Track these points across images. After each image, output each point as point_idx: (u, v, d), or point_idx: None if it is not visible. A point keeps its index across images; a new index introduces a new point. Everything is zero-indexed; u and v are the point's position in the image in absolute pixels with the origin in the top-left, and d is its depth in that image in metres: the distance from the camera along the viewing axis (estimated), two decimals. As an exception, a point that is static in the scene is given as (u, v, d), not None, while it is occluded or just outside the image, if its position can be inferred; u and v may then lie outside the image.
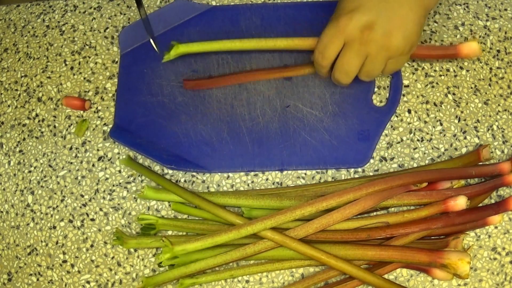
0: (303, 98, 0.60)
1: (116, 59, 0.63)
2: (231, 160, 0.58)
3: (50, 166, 0.60)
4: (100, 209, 0.58)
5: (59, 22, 0.65)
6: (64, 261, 0.57)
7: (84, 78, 0.63)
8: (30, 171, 0.60)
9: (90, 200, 0.58)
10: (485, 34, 0.62)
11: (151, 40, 0.60)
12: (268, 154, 0.58)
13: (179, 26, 0.63)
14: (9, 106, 0.62)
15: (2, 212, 0.59)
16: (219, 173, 0.58)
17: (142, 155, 0.59)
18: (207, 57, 0.62)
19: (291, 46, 0.57)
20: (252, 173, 0.58)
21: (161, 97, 0.61)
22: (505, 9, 0.63)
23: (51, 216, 0.58)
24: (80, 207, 0.58)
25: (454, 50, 0.59)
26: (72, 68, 0.63)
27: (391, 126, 0.59)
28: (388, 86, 0.61)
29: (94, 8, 0.66)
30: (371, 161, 0.58)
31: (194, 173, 0.59)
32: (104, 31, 0.64)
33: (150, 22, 0.63)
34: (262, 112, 0.60)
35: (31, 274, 0.57)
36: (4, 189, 0.59)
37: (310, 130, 0.59)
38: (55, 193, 0.59)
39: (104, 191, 0.58)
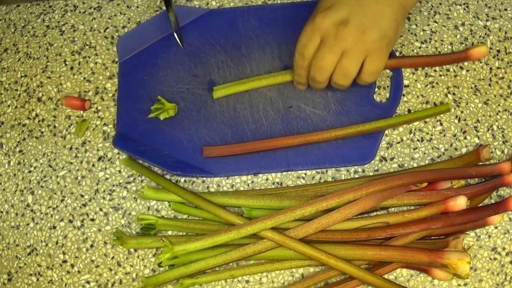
0: (305, 98, 0.60)
1: (116, 59, 0.63)
2: (236, 164, 0.58)
3: (50, 166, 0.60)
4: (100, 209, 0.58)
5: (59, 22, 0.65)
6: (64, 261, 0.57)
7: (84, 78, 0.63)
8: (30, 171, 0.60)
9: (90, 200, 0.58)
10: (485, 34, 0.62)
11: (175, 34, 0.59)
12: (273, 155, 0.58)
13: (177, 31, 0.63)
14: (9, 106, 0.62)
15: (2, 212, 0.59)
16: (219, 173, 0.59)
17: (147, 162, 0.58)
18: (207, 61, 0.62)
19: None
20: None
21: (163, 103, 0.61)
22: (505, 9, 0.63)
23: (51, 216, 0.58)
24: (80, 207, 0.58)
25: (465, 55, 0.60)
26: (72, 68, 0.63)
27: (391, 126, 0.59)
28: (388, 86, 0.61)
29: (94, 8, 0.66)
30: (371, 161, 0.58)
31: (194, 173, 0.59)
32: (104, 31, 0.64)
33: (147, 28, 0.62)
34: (265, 113, 0.60)
35: (31, 274, 0.57)
36: (4, 189, 0.59)
37: (314, 129, 0.59)
38: (55, 193, 0.59)
39: (104, 191, 0.58)
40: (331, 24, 0.51)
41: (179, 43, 0.61)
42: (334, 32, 0.51)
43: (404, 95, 0.60)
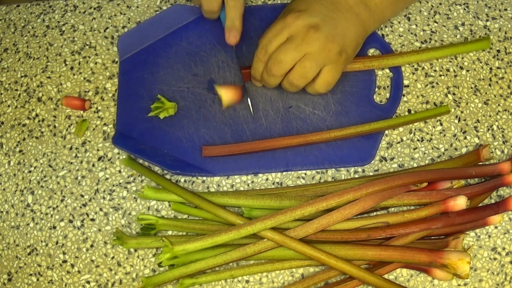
0: (305, 98, 0.60)
1: (116, 59, 0.63)
2: (236, 163, 0.58)
3: (50, 166, 0.60)
4: (100, 209, 0.58)
5: (59, 22, 0.65)
6: (64, 261, 0.57)
7: (84, 78, 0.63)
8: (30, 171, 0.60)
9: (90, 200, 0.58)
10: (485, 34, 0.62)
11: (249, 101, 0.59)
12: (272, 155, 0.58)
13: (178, 30, 0.63)
14: (9, 106, 0.62)
15: (2, 212, 0.59)
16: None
17: (146, 161, 0.58)
18: (208, 61, 0.62)
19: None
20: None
21: (163, 102, 0.61)
22: (505, 9, 0.63)
23: (51, 216, 0.58)
24: (80, 207, 0.58)
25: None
26: (72, 68, 0.63)
27: (391, 126, 0.59)
28: (388, 86, 0.61)
29: (94, 8, 0.66)
30: (370, 162, 0.58)
31: (194, 173, 0.59)
32: (104, 31, 0.64)
33: (148, 27, 0.62)
34: (265, 113, 0.60)
35: (31, 274, 0.57)
36: (4, 189, 0.59)
37: (314, 130, 0.59)
38: (55, 193, 0.59)
39: (104, 191, 0.58)
40: (303, 25, 0.52)
41: (251, 109, 0.59)
42: (304, 33, 0.52)
43: (404, 95, 0.60)
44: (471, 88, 0.61)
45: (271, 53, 0.53)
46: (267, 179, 0.58)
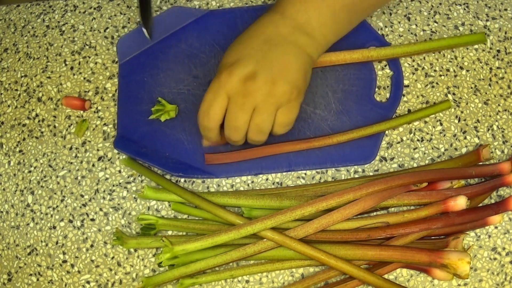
0: (305, 98, 0.59)
1: (116, 59, 0.63)
2: (238, 165, 0.58)
3: (50, 166, 0.60)
4: (100, 209, 0.58)
5: (59, 22, 0.65)
6: (64, 261, 0.57)
7: (84, 78, 0.63)
8: (30, 171, 0.60)
9: (90, 200, 0.58)
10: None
11: (144, 29, 0.56)
12: (274, 156, 0.58)
13: (177, 32, 0.63)
14: (9, 106, 0.62)
15: (2, 212, 0.59)
16: (219, 173, 0.58)
17: (148, 164, 0.58)
18: (207, 62, 0.62)
19: None
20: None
21: (163, 105, 0.60)
22: (505, 9, 0.63)
23: (51, 216, 0.58)
24: (80, 207, 0.58)
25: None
26: (72, 68, 0.63)
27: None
28: (388, 86, 0.61)
29: (94, 8, 0.66)
30: (372, 161, 0.58)
31: (194, 173, 0.59)
32: (104, 31, 0.64)
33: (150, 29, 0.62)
34: None
35: (31, 274, 0.57)
36: (4, 189, 0.59)
37: (315, 129, 0.59)
38: (55, 193, 0.59)
39: (104, 191, 0.58)
40: (237, 80, 0.48)
41: (147, 35, 0.58)
42: (242, 88, 0.48)
43: (404, 95, 0.60)
44: (471, 88, 0.61)
45: (217, 119, 0.50)
46: (267, 179, 0.58)
